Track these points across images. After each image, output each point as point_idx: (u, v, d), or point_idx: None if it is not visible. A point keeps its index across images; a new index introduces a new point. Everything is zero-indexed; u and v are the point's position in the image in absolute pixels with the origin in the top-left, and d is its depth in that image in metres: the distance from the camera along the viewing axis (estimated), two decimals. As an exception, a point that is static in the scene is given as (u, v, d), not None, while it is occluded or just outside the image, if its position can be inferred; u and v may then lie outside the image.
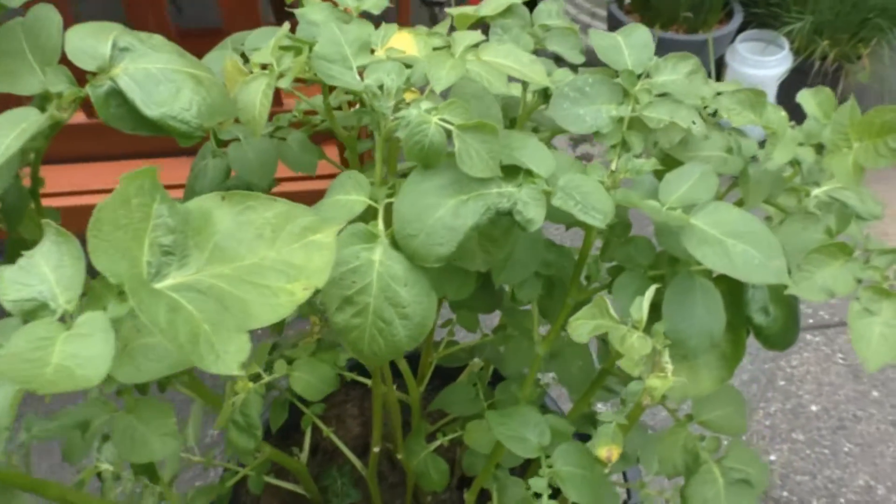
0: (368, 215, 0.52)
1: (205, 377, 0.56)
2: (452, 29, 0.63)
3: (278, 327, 0.89)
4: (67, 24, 0.50)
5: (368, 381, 0.95)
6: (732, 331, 0.58)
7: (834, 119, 0.53)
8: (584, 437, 0.62)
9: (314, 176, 0.71)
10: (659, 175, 0.55)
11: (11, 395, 0.32)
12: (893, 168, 0.52)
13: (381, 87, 0.50)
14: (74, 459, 0.58)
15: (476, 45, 0.57)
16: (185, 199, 0.42)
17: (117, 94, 0.48)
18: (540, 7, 0.67)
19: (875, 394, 1.51)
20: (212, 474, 1.36)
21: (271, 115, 0.71)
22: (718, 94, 0.60)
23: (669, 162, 0.58)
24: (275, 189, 0.71)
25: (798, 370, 1.55)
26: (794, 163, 0.57)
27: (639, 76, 0.58)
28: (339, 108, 0.69)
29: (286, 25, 0.56)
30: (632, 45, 0.59)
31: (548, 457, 0.63)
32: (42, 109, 0.49)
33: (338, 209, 0.51)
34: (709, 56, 1.91)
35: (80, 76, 0.49)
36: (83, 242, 0.35)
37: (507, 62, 0.54)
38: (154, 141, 0.49)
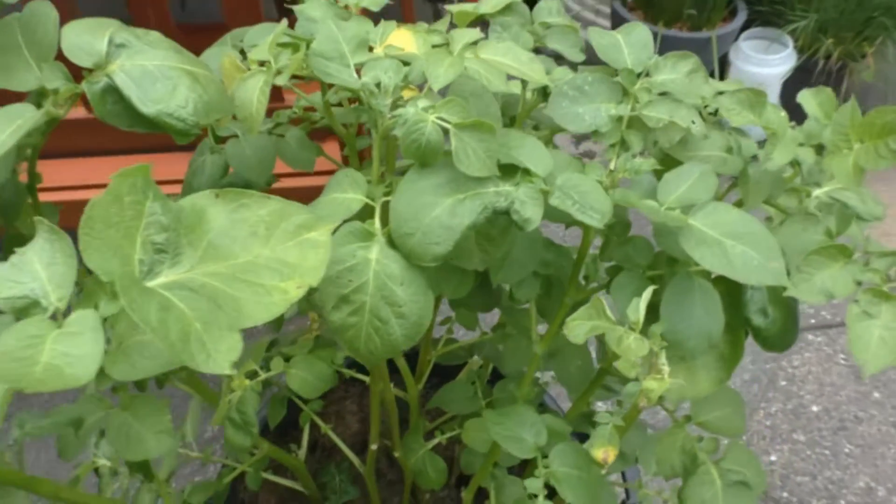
0: (365, 213, 0.52)
1: (203, 374, 0.56)
2: (453, 26, 0.63)
3: (277, 324, 0.89)
4: (68, 20, 0.50)
5: (367, 379, 0.95)
6: (731, 332, 0.57)
7: (834, 120, 0.52)
8: (583, 437, 0.62)
9: (315, 172, 0.71)
10: (658, 175, 0.55)
11: (1, 394, 0.32)
12: (895, 168, 0.52)
13: (378, 85, 0.50)
14: (69, 456, 0.58)
15: (475, 43, 0.56)
16: (182, 195, 0.42)
17: (114, 91, 0.47)
18: (540, 4, 0.66)
19: (876, 395, 1.51)
20: (211, 469, 1.36)
21: (272, 111, 0.71)
22: (719, 93, 0.59)
23: (669, 161, 0.58)
24: (274, 185, 0.71)
25: (799, 370, 1.54)
26: (795, 163, 0.57)
27: (638, 75, 0.58)
28: (340, 104, 0.69)
29: (284, 22, 0.56)
30: (631, 43, 0.59)
31: (545, 457, 0.62)
32: (38, 106, 0.48)
33: (334, 207, 0.51)
34: (712, 54, 1.91)
35: (77, 72, 0.49)
36: (83, 239, 0.35)
37: (505, 60, 0.54)
38: (154, 136, 0.49)
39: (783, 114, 0.56)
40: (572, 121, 0.56)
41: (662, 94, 0.57)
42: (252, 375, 0.73)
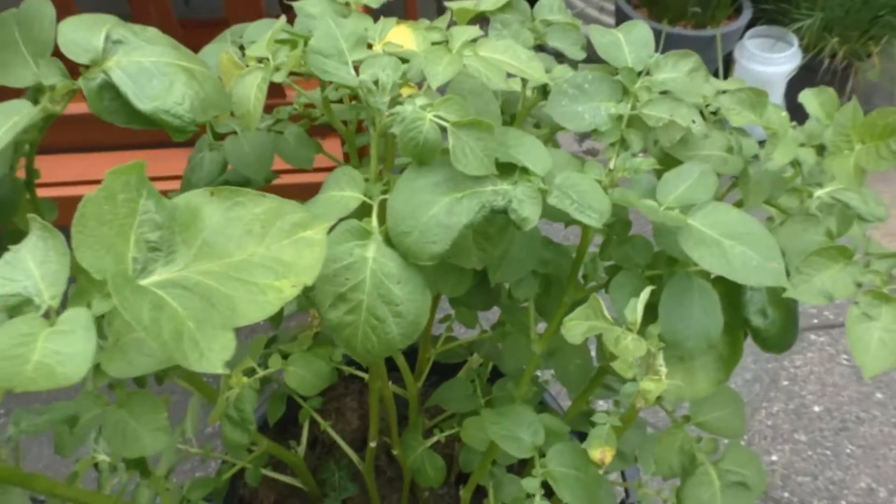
0: (363, 212, 0.52)
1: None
2: (454, 23, 0.62)
3: (276, 320, 0.89)
4: (69, 15, 0.50)
5: (366, 376, 0.94)
6: (730, 332, 0.57)
7: (836, 120, 0.52)
8: (583, 436, 0.61)
9: (317, 168, 0.71)
10: (658, 174, 0.54)
11: (-8, 392, 0.32)
12: (897, 169, 0.52)
13: (376, 83, 0.50)
14: (66, 452, 0.58)
15: (474, 41, 0.56)
16: (181, 191, 0.42)
17: (110, 88, 0.47)
18: (541, 2, 0.66)
19: (879, 396, 1.50)
20: (212, 465, 1.36)
21: (273, 107, 0.71)
22: (720, 92, 0.59)
23: (669, 161, 0.57)
24: (275, 182, 0.71)
25: (802, 370, 1.54)
26: (795, 163, 0.57)
27: (639, 73, 0.58)
28: (341, 101, 0.69)
29: (283, 18, 0.56)
30: (632, 41, 0.58)
31: (542, 456, 0.62)
32: (35, 102, 0.48)
33: (331, 205, 0.51)
34: (717, 52, 1.90)
35: (75, 68, 0.49)
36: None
37: (504, 58, 0.54)
38: (154, 132, 0.49)
39: (784, 113, 0.56)
40: (572, 119, 0.56)
41: (663, 92, 0.57)
42: (250, 373, 0.73)
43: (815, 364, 1.55)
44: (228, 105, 0.52)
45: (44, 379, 0.30)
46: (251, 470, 0.89)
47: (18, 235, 0.53)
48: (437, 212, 0.48)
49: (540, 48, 0.66)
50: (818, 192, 0.58)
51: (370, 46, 0.56)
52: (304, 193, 0.57)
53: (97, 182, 0.36)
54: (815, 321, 1.62)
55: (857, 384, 1.52)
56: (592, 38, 0.60)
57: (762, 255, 0.49)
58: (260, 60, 0.54)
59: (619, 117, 0.56)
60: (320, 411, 0.97)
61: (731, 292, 0.56)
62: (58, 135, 0.73)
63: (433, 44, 0.58)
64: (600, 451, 0.54)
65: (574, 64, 0.63)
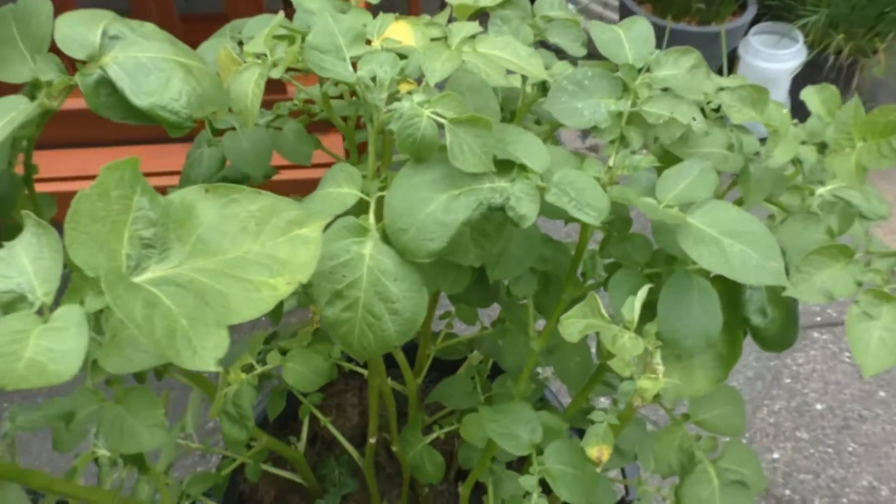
0: (360, 209, 0.51)
1: (197, 367, 0.56)
2: (453, 19, 0.62)
3: (276, 316, 0.89)
4: (69, 9, 0.49)
5: (365, 372, 0.94)
6: (729, 331, 0.57)
7: (838, 118, 0.52)
8: (583, 433, 0.61)
9: (316, 164, 0.71)
10: (659, 171, 0.54)
11: (-17, 389, 0.31)
12: (898, 168, 0.51)
13: (373, 79, 0.50)
14: (64, 448, 0.58)
15: (474, 37, 0.56)
16: (180, 187, 0.42)
17: (107, 83, 0.47)
18: (542, -2, 0.66)
19: (882, 394, 1.50)
20: (213, 460, 1.36)
21: (273, 103, 0.71)
22: (721, 89, 0.59)
23: (669, 158, 0.57)
24: (275, 177, 0.71)
25: (804, 368, 1.54)
26: (796, 161, 0.56)
27: (639, 70, 0.57)
28: (342, 96, 0.68)
29: (281, 13, 0.55)
30: (632, 38, 0.58)
31: (540, 453, 0.62)
32: (32, 97, 0.48)
33: (328, 202, 0.50)
34: (721, 49, 1.89)
35: (72, 64, 0.49)
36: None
37: (503, 54, 0.54)
38: (152, 127, 0.49)
39: (785, 111, 0.55)
40: (571, 116, 0.55)
41: (663, 89, 0.56)
42: (248, 369, 0.73)
43: (818, 362, 1.54)
44: (226, 101, 0.52)
45: (35, 376, 0.30)
46: (251, 465, 0.89)
47: (17, 231, 0.53)
48: (434, 209, 0.48)
49: (540, 44, 0.65)
50: (819, 190, 0.57)
51: (369, 42, 0.55)
52: (303, 189, 0.57)
53: (93, 178, 0.36)
54: (818, 319, 1.61)
55: (859, 382, 1.51)
56: (593, 35, 0.60)
57: (762, 254, 0.48)
58: (258, 56, 0.54)
59: (619, 114, 0.55)
60: (320, 407, 0.97)
61: (730, 291, 0.56)
62: (56, 130, 0.73)
63: (432, 40, 0.57)
64: (597, 449, 0.53)
65: (574, 60, 0.62)
